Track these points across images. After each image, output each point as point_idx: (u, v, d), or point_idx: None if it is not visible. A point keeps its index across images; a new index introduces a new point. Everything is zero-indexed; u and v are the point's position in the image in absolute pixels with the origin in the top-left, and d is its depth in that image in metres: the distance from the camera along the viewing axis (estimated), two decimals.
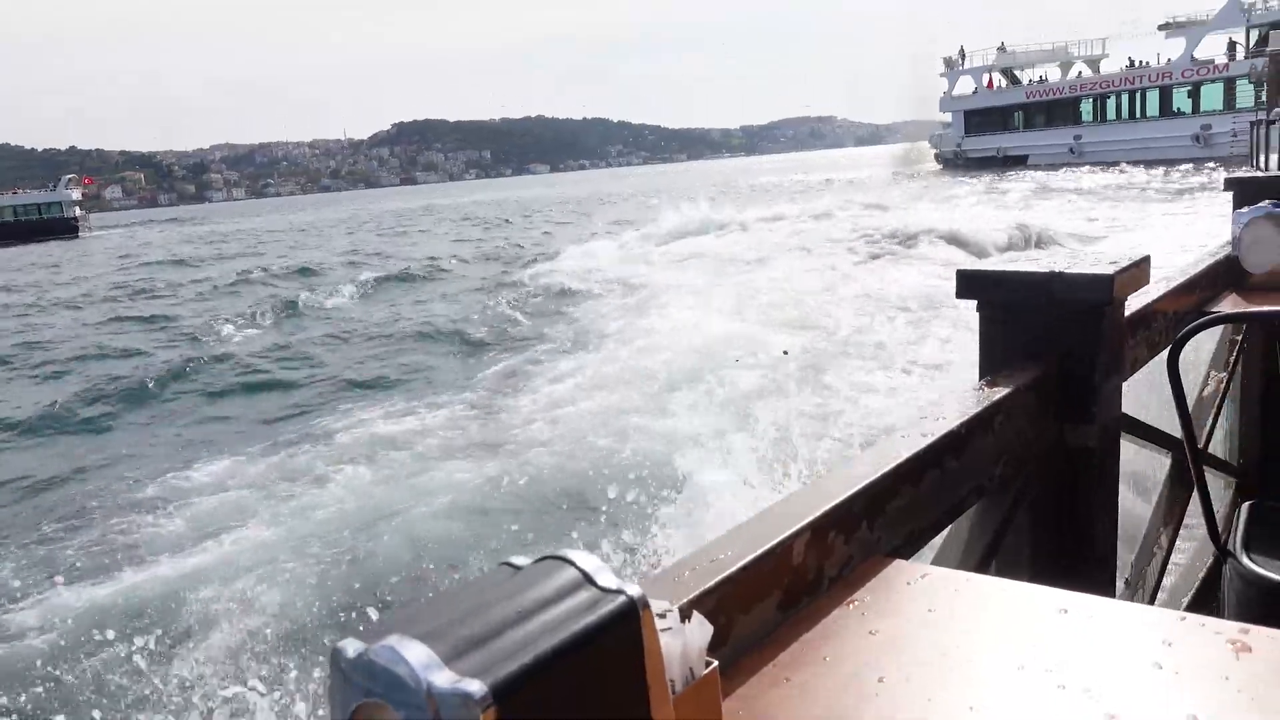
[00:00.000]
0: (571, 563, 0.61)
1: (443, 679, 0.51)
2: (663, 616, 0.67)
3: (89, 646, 5.66)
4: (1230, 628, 0.98)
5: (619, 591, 0.59)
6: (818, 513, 1.13)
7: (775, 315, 13.29)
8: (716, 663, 0.73)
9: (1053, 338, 1.73)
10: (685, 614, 0.73)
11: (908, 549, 1.32)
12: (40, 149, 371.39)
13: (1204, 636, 0.98)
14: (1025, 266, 1.77)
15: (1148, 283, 1.86)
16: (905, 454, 1.31)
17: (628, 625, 0.59)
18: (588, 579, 0.60)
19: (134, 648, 5.39)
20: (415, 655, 0.51)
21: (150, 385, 13.85)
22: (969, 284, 1.77)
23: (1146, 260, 1.80)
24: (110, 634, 5.66)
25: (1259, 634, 0.96)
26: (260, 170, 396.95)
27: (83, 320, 22.81)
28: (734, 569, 1.00)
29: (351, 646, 0.54)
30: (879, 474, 1.24)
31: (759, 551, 1.04)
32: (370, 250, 37.11)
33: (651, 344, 12.16)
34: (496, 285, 21.80)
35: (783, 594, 1.08)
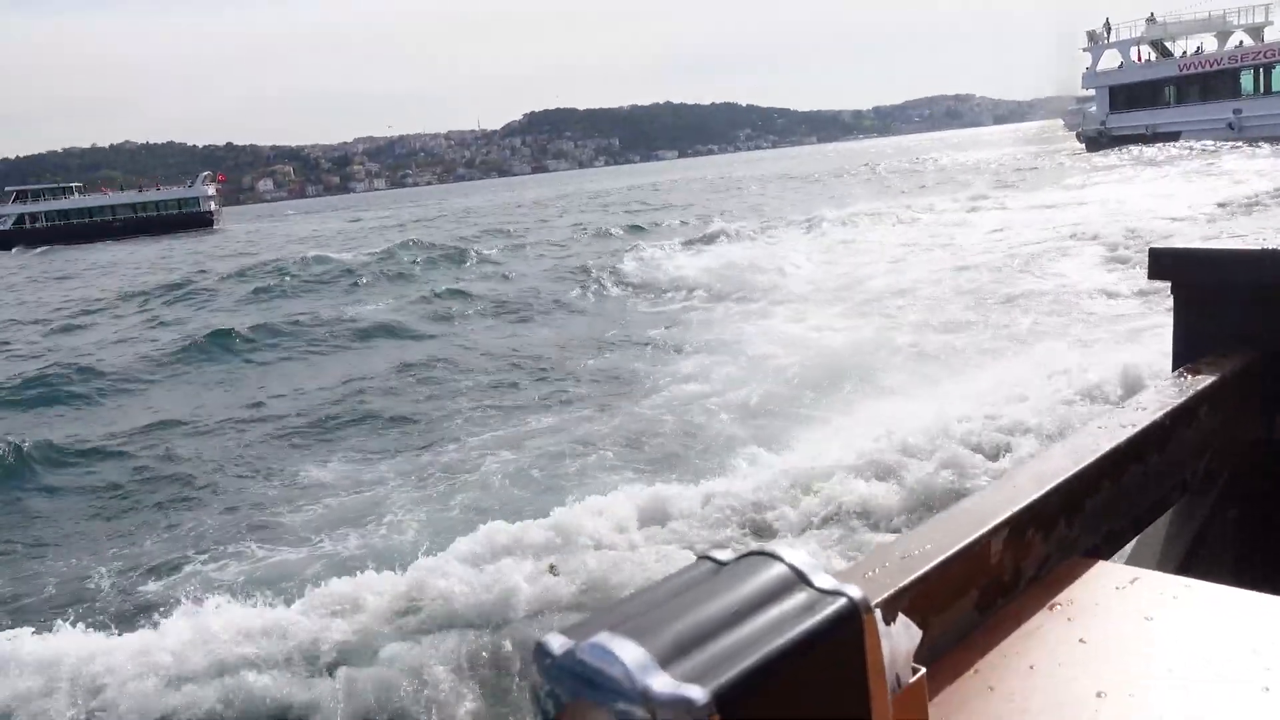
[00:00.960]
0: (780, 559, 0.57)
1: (661, 682, 0.47)
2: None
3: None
4: None
5: (838, 593, 0.56)
6: (1014, 509, 1.06)
7: None
8: (924, 670, 0.69)
9: (1261, 322, 1.59)
10: (888, 616, 0.69)
11: (1107, 549, 1.23)
12: (201, 145, 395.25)
13: None
14: (1229, 244, 1.64)
15: None
16: (1105, 447, 1.22)
17: (850, 629, 0.55)
18: (801, 578, 0.56)
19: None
20: (630, 655, 0.48)
21: None
22: (1164, 263, 1.65)
23: None
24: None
25: None
26: (399, 161, 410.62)
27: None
28: (929, 567, 0.94)
29: (557, 642, 0.51)
30: (1078, 468, 1.17)
31: (955, 549, 0.98)
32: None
33: None
34: None
35: (980, 594, 1.02)
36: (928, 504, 6.32)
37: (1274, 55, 51.81)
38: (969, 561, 0.99)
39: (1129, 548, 1.35)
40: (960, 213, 27.12)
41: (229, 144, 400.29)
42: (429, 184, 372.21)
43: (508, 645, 5.36)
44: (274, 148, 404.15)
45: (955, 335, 11.81)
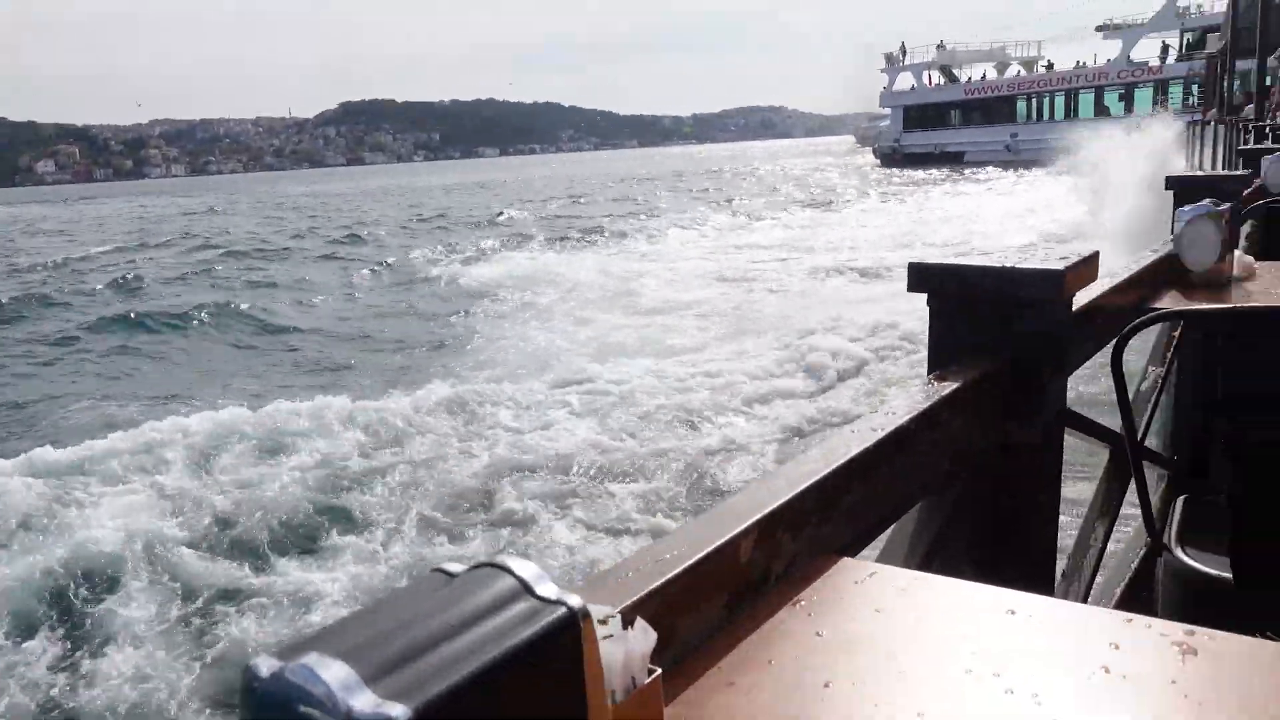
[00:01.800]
0: (509, 570, 0.58)
1: (363, 701, 0.47)
2: (604, 623, 0.65)
3: None
4: (1175, 629, 0.98)
5: (559, 602, 0.57)
6: (766, 510, 1.11)
7: None
8: (659, 670, 0.72)
9: (1002, 333, 1.74)
10: (629, 619, 0.72)
11: (855, 547, 1.30)
12: None
13: (1150, 638, 0.97)
14: (977, 261, 1.76)
15: (1095, 279, 1.88)
16: (855, 449, 1.29)
17: (567, 638, 0.57)
18: (526, 588, 0.57)
19: None
20: (334, 675, 0.48)
21: None
22: (921, 277, 1.76)
23: (1095, 256, 1.83)
24: None
25: (1203, 635, 0.97)
26: (201, 147, 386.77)
27: None
28: (679, 570, 0.97)
29: (265, 665, 0.50)
30: (829, 470, 1.23)
31: (705, 551, 1.01)
32: None
33: None
34: None
35: (729, 595, 1.05)
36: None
37: (1045, 86, 56.31)
38: (719, 562, 1.02)
39: (876, 545, 1.43)
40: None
41: (2, 119, 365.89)
42: (234, 172, 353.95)
43: None
44: (57, 126, 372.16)
45: None
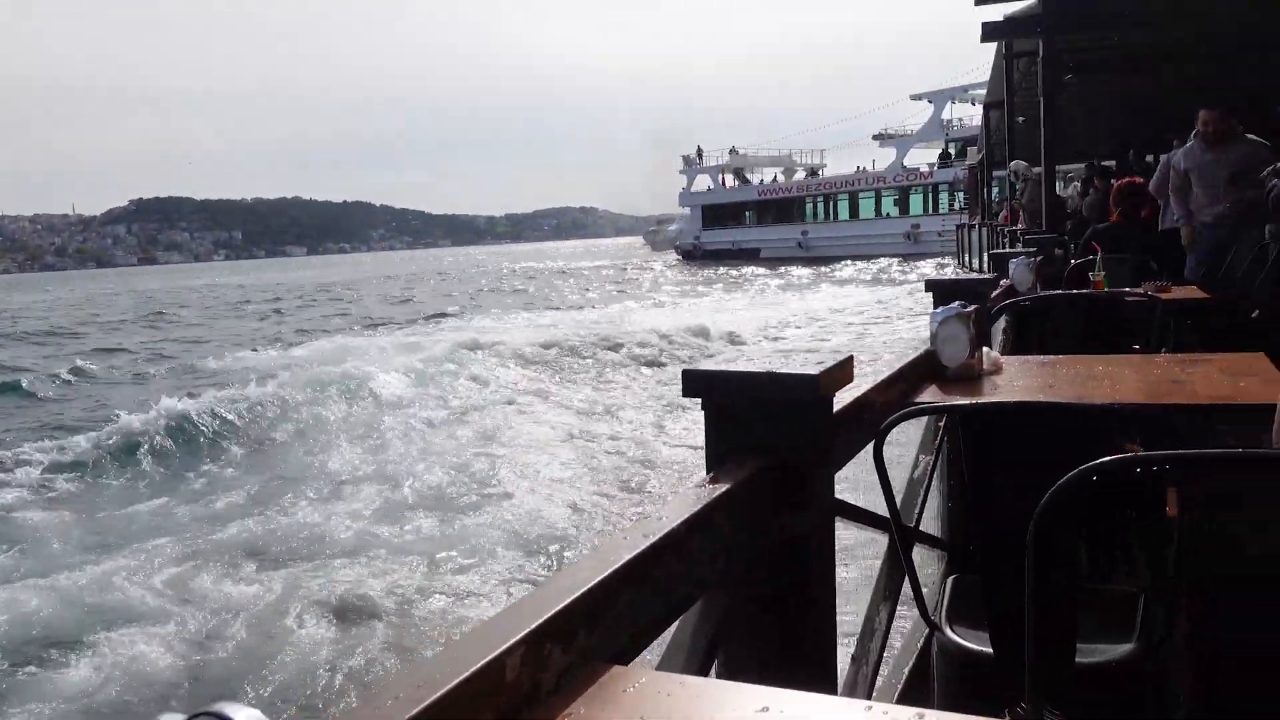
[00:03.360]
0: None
1: None
2: None
3: None
4: (908, 714, 0.99)
5: None
6: (534, 624, 1.09)
7: None
8: None
9: (768, 433, 1.82)
10: None
11: (630, 653, 1.30)
12: None
13: None
14: (742, 366, 1.86)
15: (851, 380, 1.99)
16: (626, 556, 1.29)
17: None
18: None
19: None
20: None
21: None
22: (693, 383, 1.86)
23: (850, 360, 1.94)
24: None
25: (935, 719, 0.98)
26: None
27: None
28: (440, 693, 0.93)
29: None
30: (599, 578, 1.22)
31: (468, 672, 0.98)
32: None
33: None
34: None
35: (496, 716, 1.02)
36: None
37: (831, 188, 60.77)
38: (485, 682, 0.99)
39: (651, 651, 1.44)
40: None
41: None
42: (6, 271, 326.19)
43: None
44: None
45: None
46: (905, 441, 3.51)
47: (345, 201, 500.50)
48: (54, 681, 6.01)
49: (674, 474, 9.96)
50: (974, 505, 2.68)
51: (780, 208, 62.39)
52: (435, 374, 16.79)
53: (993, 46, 13.49)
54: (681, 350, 19.65)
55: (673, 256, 72.87)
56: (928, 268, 39.60)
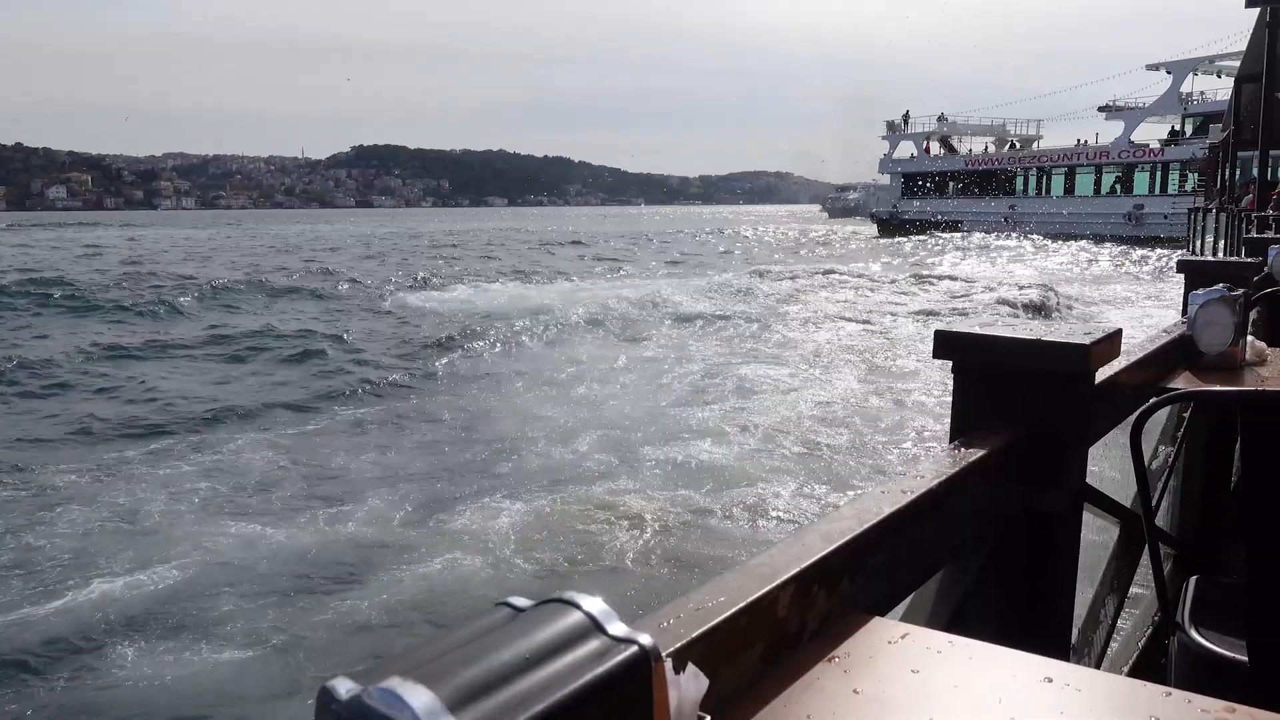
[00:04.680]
0: (578, 606, 0.58)
1: None
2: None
3: None
4: (1215, 705, 0.98)
5: (630, 640, 0.57)
6: (802, 565, 1.11)
7: None
8: (708, 717, 0.72)
9: (1027, 403, 1.76)
10: (678, 664, 0.72)
11: (885, 606, 1.31)
12: None
13: (1192, 713, 0.98)
14: (1003, 332, 1.79)
15: (1119, 355, 1.92)
16: (886, 510, 1.30)
17: (639, 677, 0.57)
18: (596, 625, 0.58)
19: None
20: (420, 701, 0.47)
21: None
22: (947, 345, 1.79)
23: (1118, 333, 1.86)
24: None
25: (1243, 713, 0.97)
26: (212, 181, 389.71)
27: None
28: (720, 619, 0.97)
29: (344, 686, 0.50)
30: (862, 529, 1.23)
31: (745, 602, 1.01)
32: None
33: None
34: None
35: (766, 647, 1.05)
36: None
37: (1046, 161, 56.96)
38: (757, 615, 1.03)
39: (903, 605, 1.46)
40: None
41: (18, 144, 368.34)
42: (243, 208, 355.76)
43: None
44: (71, 154, 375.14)
45: None
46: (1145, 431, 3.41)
47: (545, 156, 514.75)
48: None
49: None
50: (1227, 504, 2.51)
51: (988, 179, 59.23)
52: None
53: (1252, 14, 12.25)
54: None
55: (852, 226, 70.99)
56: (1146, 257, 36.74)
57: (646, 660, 0.57)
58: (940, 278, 28.60)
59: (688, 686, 0.69)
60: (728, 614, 0.98)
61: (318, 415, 12.10)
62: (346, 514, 8.07)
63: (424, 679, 0.49)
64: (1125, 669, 2.86)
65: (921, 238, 51.92)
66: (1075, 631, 2.56)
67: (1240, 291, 2.92)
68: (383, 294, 26.81)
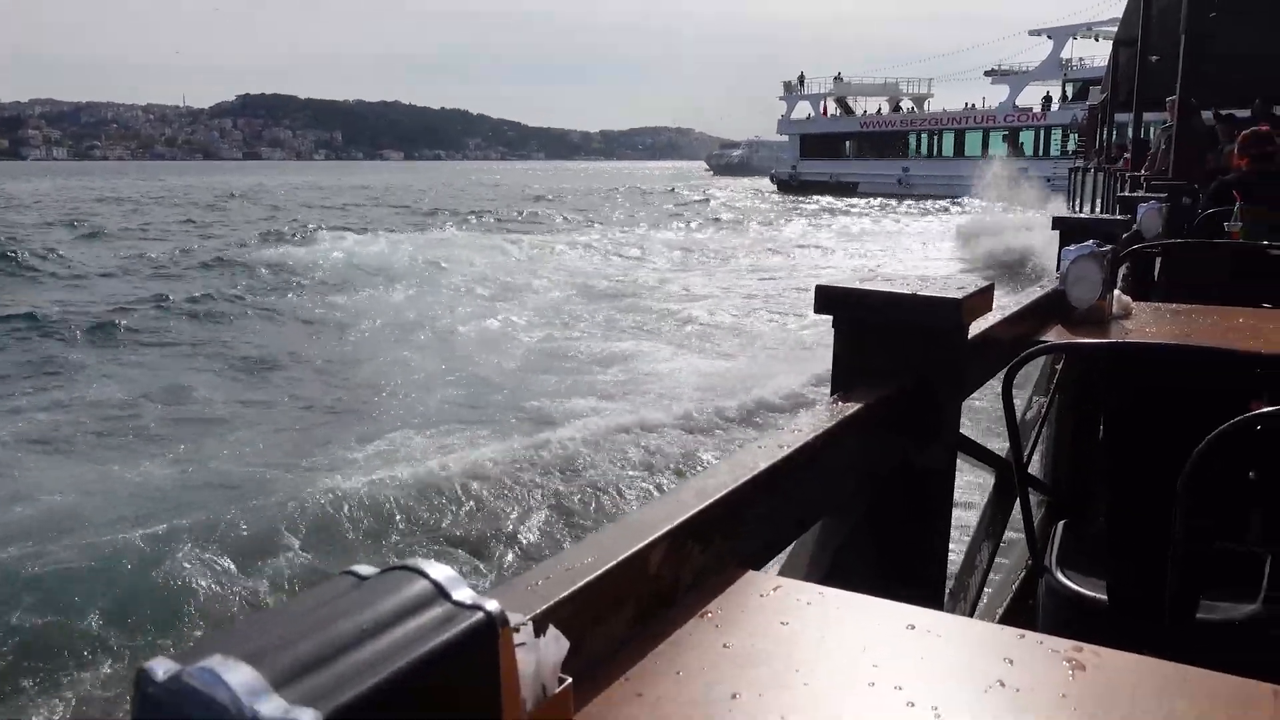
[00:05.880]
0: (423, 574, 0.57)
1: (270, 707, 0.45)
2: (516, 631, 0.65)
3: None
4: (1064, 645, 1.02)
5: (475, 607, 0.56)
6: (675, 522, 1.11)
7: None
8: (570, 679, 0.72)
9: (904, 357, 1.79)
10: (540, 627, 0.71)
11: (760, 560, 1.31)
12: None
13: (1043, 654, 1.01)
14: (880, 286, 1.79)
15: (990, 309, 1.96)
16: (762, 465, 1.30)
17: (484, 645, 0.56)
18: (441, 592, 0.56)
19: None
20: (239, 679, 0.46)
21: None
22: (828, 300, 1.80)
23: (990, 288, 1.90)
24: None
25: (1090, 652, 1.00)
26: (86, 130, 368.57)
27: None
28: (589, 579, 0.97)
29: (162, 668, 0.47)
30: (737, 484, 1.24)
31: (615, 560, 1.01)
32: None
33: None
34: None
35: (638, 605, 1.06)
36: None
37: (938, 124, 58.49)
38: (629, 573, 1.03)
39: (780, 559, 1.47)
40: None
41: None
42: (120, 159, 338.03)
43: None
44: None
45: None
46: (1018, 381, 3.51)
47: (443, 109, 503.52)
48: None
49: None
50: (1093, 450, 2.58)
51: (882, 140, 60.49)
52: None
53: None
54: None
55: (744, 182, 72.11)
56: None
57: (492, 626, 0.56)
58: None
59: (547, 650, 0.69)
60: (598, 573, 0.98)
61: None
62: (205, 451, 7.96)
63: (248, 655, 0.47)
64: (999, 612, 2.94)
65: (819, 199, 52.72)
66: (953, 578, 2.64)
67: (1108, 248, 3.00)
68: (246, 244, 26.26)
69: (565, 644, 0.71)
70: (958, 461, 2.56)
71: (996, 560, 2.97)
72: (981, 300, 1.84)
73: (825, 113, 64.67)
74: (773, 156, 78.93)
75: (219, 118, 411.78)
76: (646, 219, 39.46)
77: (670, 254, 26.08)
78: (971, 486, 3.50)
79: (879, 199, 51.62)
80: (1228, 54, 12.89)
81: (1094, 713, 0.91)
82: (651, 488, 7.35)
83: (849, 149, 62.50)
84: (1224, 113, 12.27)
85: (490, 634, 0.56)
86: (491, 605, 0.56)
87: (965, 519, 2.89)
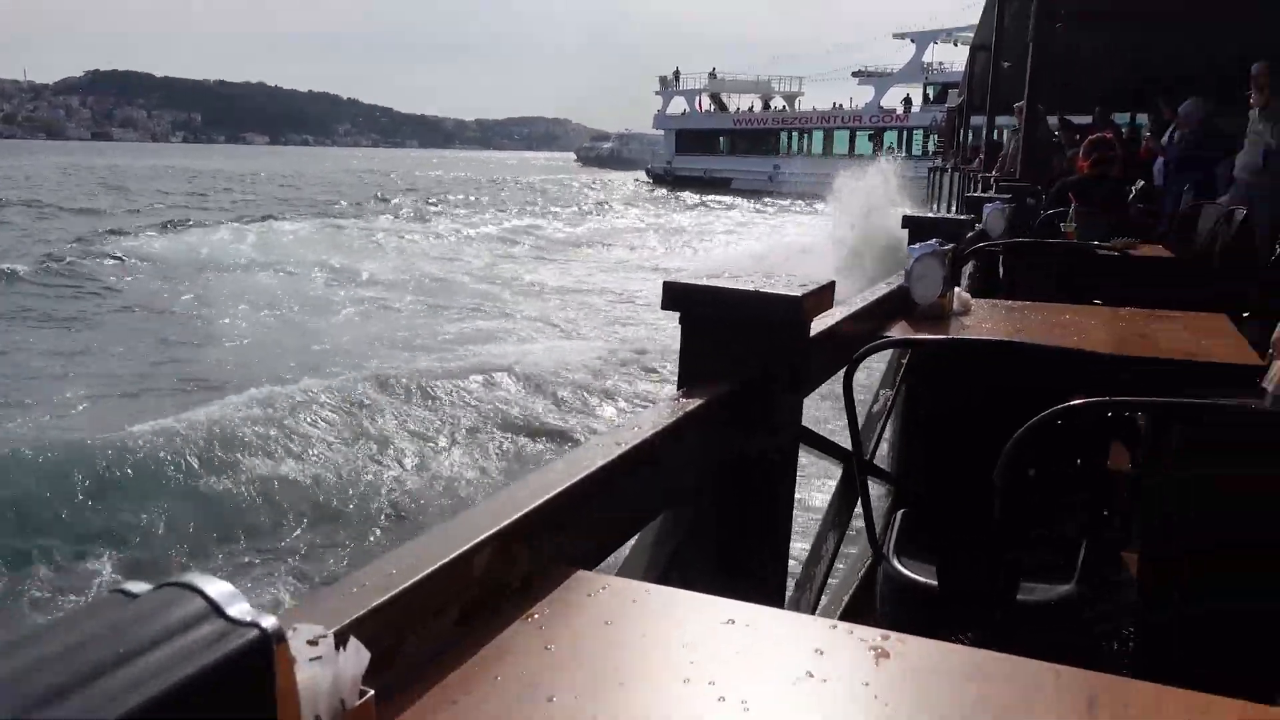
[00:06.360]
0: (198, 590, 0.54)
1: None
2: (314, 644, 0.64)
3: None
4: (874, 635, 1.03)
5: (251, 624, 0.53)
6: (504, 522, 1.10)
7: None
8: (372, 692, 0.71)
9: (747, 352, 1.81)
10: (342, 639, 0.70)
11: (595, 559, 1.31)
12: None
13: (851, 644, 1.03)
14: (726, 283, 1.82)
15: (831, 306, 1.99)
16: (599, 462, 1.30)
17: (256, 662, 0.53)
18: (216, 609, 0.53)
19: None
20: None
21: None
22: (674, 296, 1.82)
23: (831, 286, 1.93)
24: None
25: (896, 640, 1.02)
26: None
27: None
28: (407, 584, 0.94)
29: None
30: (570, 482, 1.23)
31: (436, 565, 0.99)
32: None
33: None
34: None
35: (460, 610, 1.04)
36: None
37: (808, 123, 60.10)
38: (450, 578, 1.01)
39: (616, 558, 1.45)
40: None
41: None
42: None
43: None
44: None
45: None
46: (866, 376, 3.61)
47: (311, 91, 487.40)
48: None
49: None
50: (931, 441, 2.69)
51: (755, 138, 61.74)
52: None
53: None
54: None
55: (619, 175, 73.03)
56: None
57: (267, 643, 0.53)
58: None
59: (346, 663, 0.68)
60: (415, 579, 0.96)
61: None
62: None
63: (8, 677, 0.45)
64: (845, 600, 3.02)
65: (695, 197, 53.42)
66: (801, 568, 2.70)
67: (950, 246, 3.12)
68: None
69: (366, 656, 0.69)
70: (817, 457, 2.62)
71: (845, 551, 3.04)
72: (822, 297, 1.89)
73: (700, 108, 65.57)
74: (645, 150, 79.65)
75: (65, 94, 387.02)
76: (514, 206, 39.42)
77: (509, 247, 25.91)
78: (833, 479, 3.60)
79: (753, 195, 52.63)
80: (1072, 62, 13.67)
81: (891, 699, 0.94)
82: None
83: (723, 145, 63.51)
84: (1067, 118, 13.03)
85: (264, 650, 0.53)
86: (268, 621, 0.54)
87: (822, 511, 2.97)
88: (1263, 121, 6.40)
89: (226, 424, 7.53)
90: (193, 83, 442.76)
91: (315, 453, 7.46)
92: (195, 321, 13.57)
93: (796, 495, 2.05)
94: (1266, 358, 2.24)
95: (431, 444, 7.91)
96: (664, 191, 57.01)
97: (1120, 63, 14.41)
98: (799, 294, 1.78)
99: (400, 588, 0.94)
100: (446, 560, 1.00)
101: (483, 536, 1.06)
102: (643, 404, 9.23)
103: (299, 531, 6.26)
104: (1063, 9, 11.95)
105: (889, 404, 3.35)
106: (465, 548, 1.04)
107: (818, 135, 58.96)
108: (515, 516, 1.12)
